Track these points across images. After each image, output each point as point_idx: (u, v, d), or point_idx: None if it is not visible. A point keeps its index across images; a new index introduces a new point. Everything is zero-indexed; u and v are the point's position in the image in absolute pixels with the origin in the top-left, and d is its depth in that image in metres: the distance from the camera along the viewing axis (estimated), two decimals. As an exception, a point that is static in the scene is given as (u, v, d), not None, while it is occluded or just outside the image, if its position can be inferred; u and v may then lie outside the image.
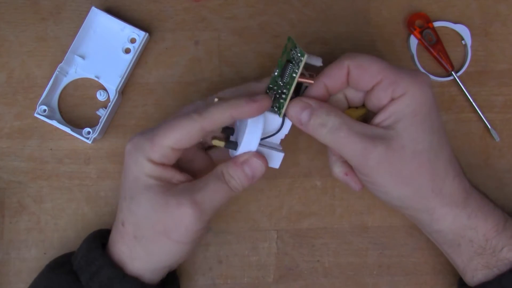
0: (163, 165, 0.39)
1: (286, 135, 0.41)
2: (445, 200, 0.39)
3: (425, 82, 0.38)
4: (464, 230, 0.40)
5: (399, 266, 0.47)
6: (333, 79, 0.39)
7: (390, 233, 0.48)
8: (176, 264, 0.42)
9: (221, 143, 0.39)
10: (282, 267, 0.47)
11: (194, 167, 0.43)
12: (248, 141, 0.39)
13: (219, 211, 0.47)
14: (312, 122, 0.38)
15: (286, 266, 0.47)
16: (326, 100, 0.40)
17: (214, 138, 0.39)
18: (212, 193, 0.38)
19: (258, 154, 0.39)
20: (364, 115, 0.42)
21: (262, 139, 0.39)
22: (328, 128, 0.38)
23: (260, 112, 0.38)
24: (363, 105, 0.41)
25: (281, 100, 0.39)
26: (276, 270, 0.47)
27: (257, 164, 0.39)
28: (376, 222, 0.48)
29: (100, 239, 0.42)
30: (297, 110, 0.39)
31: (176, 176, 0.39)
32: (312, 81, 0.39)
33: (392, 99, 0.38)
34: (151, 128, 0.40)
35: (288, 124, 0.40)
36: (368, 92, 0.39)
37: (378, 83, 0.38)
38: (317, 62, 0.39)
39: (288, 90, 0.38)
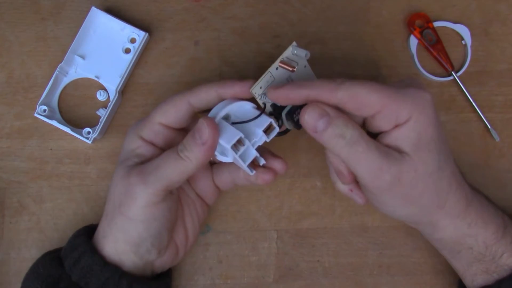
0: (151, 143, 0.41)
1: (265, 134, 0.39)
2: (448, 212, 0.39)
3: (428, 101, 0.36)
4: (464, 238, 0.40)
5: (399, 266, 0.47)
6: (319, 96, 0.36)
7: (390, 233, 0.48)
8: (152, 259, 0.40)
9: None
10: (282, 267, 0.47)
11: (201, 192, 0.44)
12: (212, 112, 0.39)
13: (219, 211, 0.47)
14: (329, 131, 0.36)
15: (286, 266, 0.47)
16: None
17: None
18: (160, 164, 0.38)
19: (210, 120, 0.37)
20: None
21: (234, 122, 0.38)
22: (345, 140, 0.35)
23: (244, 92, 0.39)
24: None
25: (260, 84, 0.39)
26: (276, 270, 0.47)
27: (204, 127, 0.37)
28: (376, 222, 0.48)
29: (90, 229, 0.43)
30: (315, 117, 0.36)
31: (156, 150, 0.41)
32: (292, 69, 0.38)
33: (396, 125, 0.36)
34: None
35: (266, 120, 0.38)
36: (368, 117, 0.37)
37: (378, 112, 0.36)
38: (302, 53, 0.38)
39: (267, 70, 0.38)
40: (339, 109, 0.37)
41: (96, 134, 0.46)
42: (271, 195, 0.48)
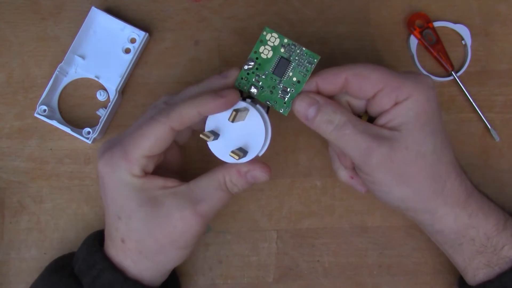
0: (145, 175, 0.38)
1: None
2: (446, 201, 0.39)
3: (428, 85, 0.38)
4: (466, 229, 0.40)
5: (399, 266, 0.47)
6: (326, 83, 0.38)
7: (390, 233, 0.48)
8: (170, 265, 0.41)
9: (209, 135, 0.38)
10: (282, 267, 0.47)
11: (169, 161, 0.42)
12: (256, 146, 0.38)
13: (219, 211, 0.47)
14: (318, 118, 0.38)
15: (286, 266, 0.47)
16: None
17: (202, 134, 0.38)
18: (214, 202, 0.38)
19: (262, 163, 0.38)
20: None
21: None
22: (334, 125, 0.38)
23: (228, 107, 0.37)
24: (366, 112, 0.41)
25: (286, 97, 0.39)
26: (276, 270, 0.47)
27: (260, 175, 0.39)
28: (376, 222, 0.48)
29: (99, 241, 0.41)
30: (304, 106, 0.38)
31: (160, 181, 0.39)
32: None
33: (396, 103, 0.38)
34: (117, 138, 0.39)
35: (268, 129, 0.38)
36: (370, 99, 0.39)
37: (380, 91, 0.37)
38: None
39: (296, 89, 0.38)
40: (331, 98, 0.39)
41: (96, 134, 0.46)
42: (271, 195, 0.48)
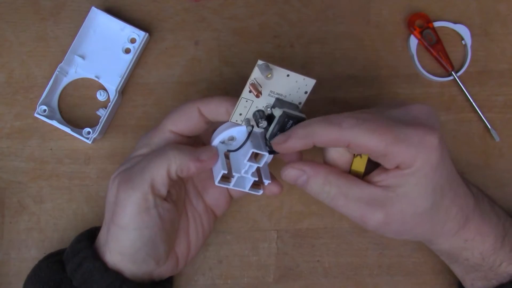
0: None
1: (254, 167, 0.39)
2: (444, 234, 0.39)
3: (434, 148, 0.35)
4: (460, 251, 0.40)
5: (399, 266, 0.47)
6: (324, 143, 0.36)
7: (390, 233, 0.48)
8: (151, 268, 0.40)
9: None
10: (282, 267, 0.47)
11: (212, 201, 0.44)
12: (213, 136, 0.39)
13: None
14: (309, 189, 0.38)
15: (286, 266, 0.47)
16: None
17: None
18: (145, 165, 0.37)
19: (212, 146, 0.39)
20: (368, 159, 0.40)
21: (229, 151, 0.39)
22: (325, 197, 0.37)
23: None
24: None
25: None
26: (276, 270, 0.47)
27: (208, 150, 0.39)
28: (376, 222, 0.48)
29: (93, 233, 0.42)
30: (292, 177, 0.38)
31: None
32: (257, 94, 0.36)
33: (397, 167, 0.36)
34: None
35: (248, 147, 0.37)
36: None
37: (381, 155, 0.36)
38: (265, 73, 0.35)
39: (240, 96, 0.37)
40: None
41: (96, 134, 0.46)
42: (271, 195, 0.48)
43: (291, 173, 0.38)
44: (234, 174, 0.38)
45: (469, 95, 0.48)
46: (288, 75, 0.36)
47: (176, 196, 0.40)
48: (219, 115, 0.38)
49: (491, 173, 0.48)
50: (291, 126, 0.36)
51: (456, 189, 0.38)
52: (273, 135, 0.37)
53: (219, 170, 0.38)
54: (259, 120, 0.37)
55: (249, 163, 0.37)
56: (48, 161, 0.48)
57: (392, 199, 0.36)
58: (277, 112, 0.36)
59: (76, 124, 0.48)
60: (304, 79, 0.37)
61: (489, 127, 0.48)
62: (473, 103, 0.48)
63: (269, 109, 0.37)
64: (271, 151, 0.38)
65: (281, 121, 0.36)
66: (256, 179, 0.39)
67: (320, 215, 0.48)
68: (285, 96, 0.37)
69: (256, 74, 0.36)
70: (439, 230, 0.38)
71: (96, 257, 0.39)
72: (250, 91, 0.36)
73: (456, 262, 0.41)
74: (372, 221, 0.36)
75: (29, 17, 0.50)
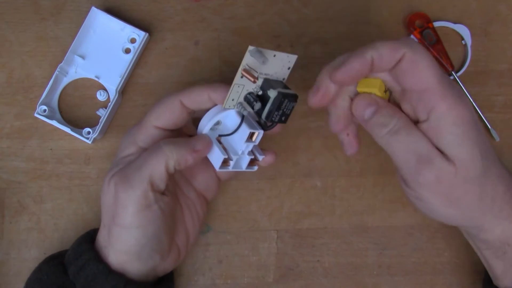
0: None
1: (253, 146, 0.40)
2: (494, 216, 0.38)
3: (469, 105, 0.36)
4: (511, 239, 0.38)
5: (399, 266, 0.47)
6: (382, 60, 0.35)
7: (390, 233, 0.48)
8: (155, 264, 0.40)
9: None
10: (282, 267, 0.47)
11: (202, 186, 0.44)
12: (202, 123, 0.40)
13: (219, 211, 0.47)
14: (374, 120, 0.37)
15: (286, 266, 0.47)
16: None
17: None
18: (142, 163, 0.37)
19: (205, 135, 0.39)
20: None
21: (221, 135, 0.40)
22: (388, 129, 0.36)
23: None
24: (388, 89, 0.39)
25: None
26: (276, 270, 0.47)
27: (202, 139, 0.39)
28: (376, 222, 0.48)
29: (93, 235, 0.42)
30: (363, 105, 0.37)
31: None
32: (254, 80, 0.37)
33: (432, 110, 0.35)
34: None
35: (244, 131, 0.38)
36: (404, 90, 0.37)
37: (419, 92, 0.35)
38: (260, 59, 0.36)
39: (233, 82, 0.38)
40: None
41: (96, 134, 0.46)
42: (271, 195, 0.48)
43: (364, 100, 0.37)
44: (232, 156, 0.39)
45: (469, 95, 0.48)
46: (274, 55, 0.37)
47: (172, 188, 0.41)
48: (202, 103, 0.39)
49: (491, 173, 0.48)
50: (286, 103, 0.37)
51: (500, 166, 0.38)
52: (270, 115, 0.37)
53: (218, 156, 0.39)
54: (254, 103, 0.38)
55: (246, 144, 0.39)
56: (48, 161, 0.48)
57: (445, 159, 0.35)
58: (273, 94, 0.37)
59: (76, 124, 0.48)
60: (287, 56, 0.38)
61: (489, 127, 0.48)
62: (473, 103, 0.48)
63: (259, 90, 0.38)
64: (264, 128, 0.39)
65: (277, 101, 0.37)
66: (253, 157, 0.40)
67: (320, 215, 0.48)
68: (271, 75, 0.38)
69: (247, 60, 0.36)
70: (488, 208, 0.37)
71: (99, 259, 0.39)
72: (242, 77, 0.37)
73: (505, 254, 0.39)
74: (426, 171, 0.35)
75: (29, 17, 0.50)
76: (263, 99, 0.38)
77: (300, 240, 0.47)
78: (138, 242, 0.38)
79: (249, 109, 0.38)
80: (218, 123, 0.40)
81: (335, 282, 0.47)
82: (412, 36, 0.49)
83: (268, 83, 0.38)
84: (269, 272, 0.47)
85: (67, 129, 0.47)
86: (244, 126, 0.38)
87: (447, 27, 0.50)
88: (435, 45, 0.49)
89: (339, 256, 0.47)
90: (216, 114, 0.39)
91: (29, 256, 0.47)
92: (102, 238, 0.40)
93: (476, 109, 0.48)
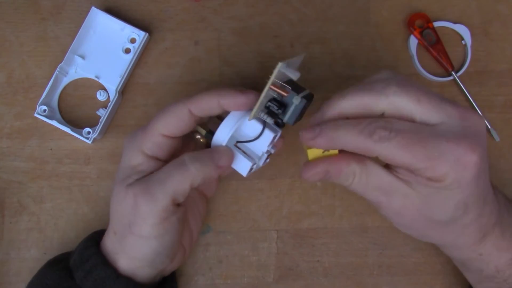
0: (154, 158, 0.39)
1: (271, 145, 0.40)
2: (458, 246, 0.38)
3: (471, 165, 0.33)
4: (473, 262, 0.39)
5: (399, 266, 0.47)
6: (349, 149, 0.35)
7: (390, 233, 0.48)
8: (163, 267, 0.41)
9: (202, 131, 0.40)
10: (282, 267, 0.47)
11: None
12: (220, 134, 0.39)
13: (219, 211, 0.47)
14: (332, 180, 0.37)
15: (286, 266, 0.47)
16: None
17: (199, 125, 0.40)
18: (165, 177, 0.37)
19: (227, 148, 0.39)
20: None
21: (239, 142, 0.40)
22: (346, 184, 0.37)
23: (246, 106, 0.38)
24: None
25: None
26: (276, 270, 0.47)
27: (225, 153, 0.38)
28: (376, 222, 0.48)
29: (98, 237, 0.42)
30: (317, 179, 0.38)
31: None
32: (285, 94, 0.37)
33: (428, 178, 0.34)
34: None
35: (268, 136, 0.39)
36: None
37: (413, 170, 0.34)
38: (293, 75, 0.37)
39: (260, 96, 0.37)
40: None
41: (96, 134, 0.46)
42: (271, 195, 0.48)
43: (316, 177, 0.37)
44: (255, 160, 0.40)
45: (469, 95, 0.48)
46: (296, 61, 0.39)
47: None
48: (212, 110, 0.38)
49: (491, 173, 0.48)
50: (306, 105, 0.38)
51: (482, 208, 0.36)
52: (296, 120, 0.38)
53: (245, 164, 0.39)
54: (278, 110, 0.38)
55: (270, 146, 0.40)
56: (48, 161, 0.48)
57: (411, 196, 0.34)
58: (297, 100, 0.37)
59: (76, 124, 0.48)
60: (297, 57, 0.39)
61: (489, 127, 0.48)
62: (473, 103, 0.48)
63: (280, 97, 0.38)
64: (280, 127, 0.40)
65: (301, 106, 0.37)
66: (269, 153, 0.41)
67: (320, 215, 0.48)
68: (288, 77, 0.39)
69: (277, 76, 0.36)
70: (450, 241, 0.38)
71: (107, 263, 0.39)
72: (273, 91, 0.37)
73: (469, 271, 0.40)
74: (387, 209, 0.36)
75: (29, 17, 0.50)
76: (282, 103, 0.38)
77: (300, 240, 0.47)
78: (155, 250, 0.38)
79: (271, 116, 0.38)
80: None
81: (335, 282, 0.47)
82: (412, 36, 0.49)
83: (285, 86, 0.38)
84: (269, 272, 0.47)
85: (67, 129, 0.47)
86: (267, 131, 0.39)
87: (447, 27, 0.50)
88: (435, 45, 0.49)
89: (339, 256, 0.47)
90: (235, 125, 0.39)
91: (29, 256, 0.47)
92: (111, 244, 0.40)
93: (476, 109, 0.48)
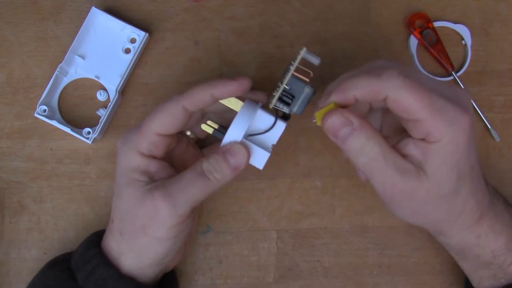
0: (152, 157, 0.39)
1: (278, 140, 0.40)
2: (457, 225, 0.38)
3: (464, 128, 0.34)
4: (471, 248, 0.39)
5: (399, 266, 0.47)
6: (364, 94, 0.35)
7: (390, 233, 0.48)
8: (168, 263, 0.41)
9: (209, 129, 0.40)
10: (282, 267, 0.47)
11: (187, 165, 0.42)
12: (234, 130, 0.39)
13: (219, 211, 0.47)
14: (350, 142, 0.36)
15: (286, 266, 0.47)
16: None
17: (205, 123, 0.40)
18: (187, 185, 0.37)
19: (243, 144, 0.39)
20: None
21: (251, 135, 0.39)
22: (364, 154, 0.35)
23: (239, 92, 0.38)
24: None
25: (273, 93, 0.39)
26: (276, 270, 0.47)
27: (239, 152, 0.38)
28: (376, 222, 0.48)
29: (99, 238, 0.42)
30: (336, 125, 0.36)
31: (162, 171, 0.40)
32: (307, 79, 0.38)
33: (424, 139, 0.35)
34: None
35: (280, 127, 0.40)
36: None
37: (412, 121, 0.35)
38: (315, 60, 0.38)
39: (282, 83, 0.38)
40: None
41: (96, 134, 0.46)
42: (271, 195, 0.48)
43: (336, 120, 0.36)
44: (269, 150, 0.40)
45: (469, 95, 0.48)
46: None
47: None
48: (205, 103, 0.39)
49: (491, 173, 0.48)
50: (311, 95, 0.39)
51: (477, 181, 0.38)
52: (303, 109, 0.39)
53: (263, 156, 0.39)
54: (290, 100, 0.39)
55: (279, 136, 0.40)
56: (48, 161, 0.48)
57: (421, 175, 0.35)
58: (307, 89, 0.38)
59: (76, 124, 0.48)
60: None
61: (489, 127, 0.48)
62: (473, 103, 0.48)
63: (288, 86, 0.39)
64: (287, 118, 0.40)
65: (310, 95, 0.39)
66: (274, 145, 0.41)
67: (320, 215, 0.48)
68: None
69: (298, 61, 0.37)
70: (453, 220, 0.38)
71: (109, 264, 0.39)
72: (296, 77, 0.38)
73: (466, 259, 0.41)
74: (400, 191, 0.36)
75: (29, 17, 0.50)
76: (290, 93, 0.39)
77: (300, 240, 0.47)
78: (167, 250, 0.39)
79: (286, 105, 0.39)
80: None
81: (335, 282, 0.47)
82: (412, 36, 0.49)
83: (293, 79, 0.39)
84: (269, 272, 0.47)
85: (67, 129, 0.47)
86: (279, 122, 0.39)
87: (447, 27, 0.50)
88: (435, 45, 0.49)
89: (339, 256, 0.47)
90: (248, 119, 0.39)
91: (29, 256, 0.47)
92: (116, 245, 0.40)
93: (476, 109, 0.48)
